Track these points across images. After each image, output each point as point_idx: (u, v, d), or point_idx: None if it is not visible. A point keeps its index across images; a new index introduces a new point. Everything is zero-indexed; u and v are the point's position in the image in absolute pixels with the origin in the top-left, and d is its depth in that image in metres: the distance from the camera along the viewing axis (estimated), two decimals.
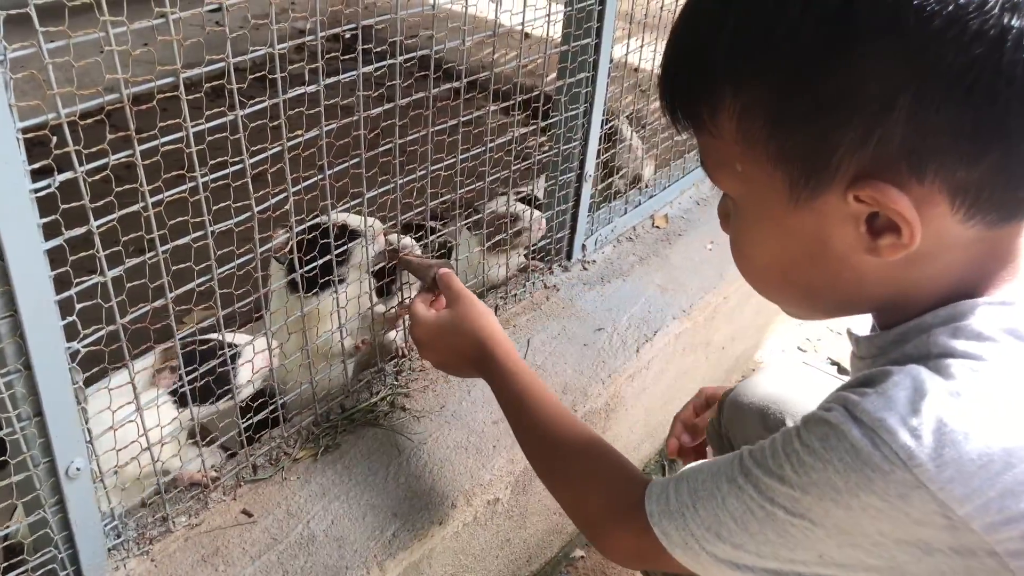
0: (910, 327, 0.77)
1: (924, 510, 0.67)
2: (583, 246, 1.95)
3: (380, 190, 1.36)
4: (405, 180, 1.38)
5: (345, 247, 1.47)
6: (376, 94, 1.28)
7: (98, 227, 0.97)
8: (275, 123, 1.13)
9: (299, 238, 1.30)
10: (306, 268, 1.31)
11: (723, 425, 1.52)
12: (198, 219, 1.09)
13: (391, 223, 1.47)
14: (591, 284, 1.92)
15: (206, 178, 1.06)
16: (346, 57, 1.21)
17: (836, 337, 2.57)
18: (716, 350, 2.18)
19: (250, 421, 1.32)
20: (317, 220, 1.38)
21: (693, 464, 0.90)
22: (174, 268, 1.08)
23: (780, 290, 0.85)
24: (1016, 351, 0.70)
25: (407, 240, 1.54)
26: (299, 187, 1.21)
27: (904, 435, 0.67)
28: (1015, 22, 0.62)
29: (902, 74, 0.64)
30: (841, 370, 1.48)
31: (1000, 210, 0.70)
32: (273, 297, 1.46)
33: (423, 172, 1.42)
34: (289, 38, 1.13)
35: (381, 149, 1.33)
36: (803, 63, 0.67)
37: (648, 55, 2.00)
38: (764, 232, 0.79)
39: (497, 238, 1.74)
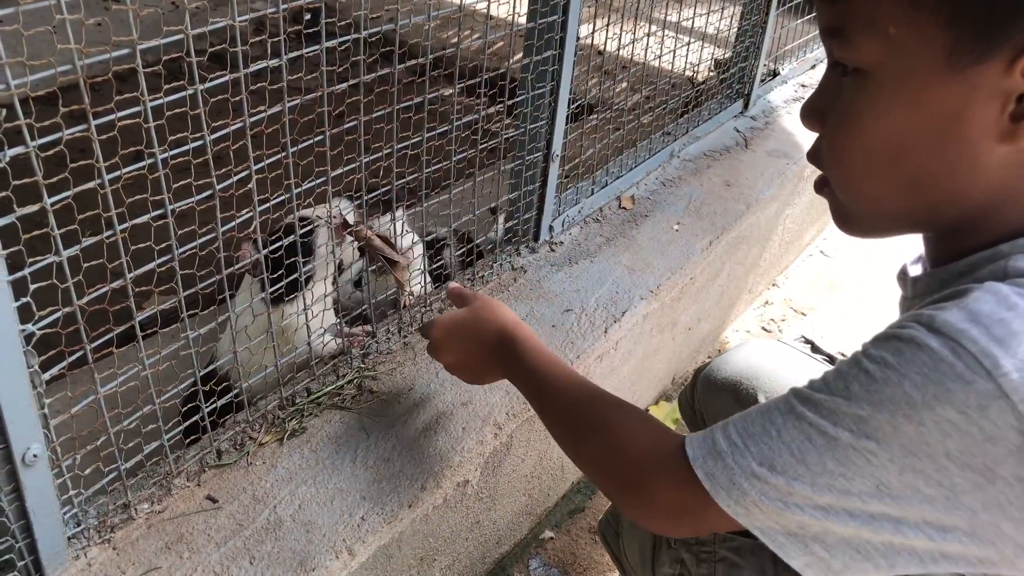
0: (983, 256, 0.76)
1: (1001, 423, 0.65)
2: (550, 227, 1.94)
3: (345, 168, 1.33)
4: (370, 159, 1.36)
5: (309, 242, 1.45)
6: (340, 70, 1.25)
7: (52, 205, 0.93)
8: (236, 99, 1.10)
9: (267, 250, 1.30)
10: (277, 281, 1.30)
11: (697, 400, 1.53)
12: (157, 198, 1.05)
13: (356, 203, 1.45)
14: (559, 265, 1.91)
15: (165, 155, 1.03)
16: (309, 30, 1.18)
17: (799, 318, 2.60)
18: (683, 330, 2.18)
19: (213, 405, 1.29)
20: (281, 224, 1.36)
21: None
22: (133, 248, 1.05)
23: (880, 177, 0.79)
24: None
25: (345, 203, 1.52)
26: (262, 164, 1.18)
27: (990, 344, 0.66)
28: None
29: None
30: (815, 348, 1.48)
31: None
32: (242, 310, 1.43)
33: (388, 151, 1.40)
34: (250, 18, 1.10)
35: (346, 127, 1.30)
36: None
37: (613, 35, 1.99)
38: (895, 104, 0.75)
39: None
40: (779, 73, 2.90)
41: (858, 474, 0.72)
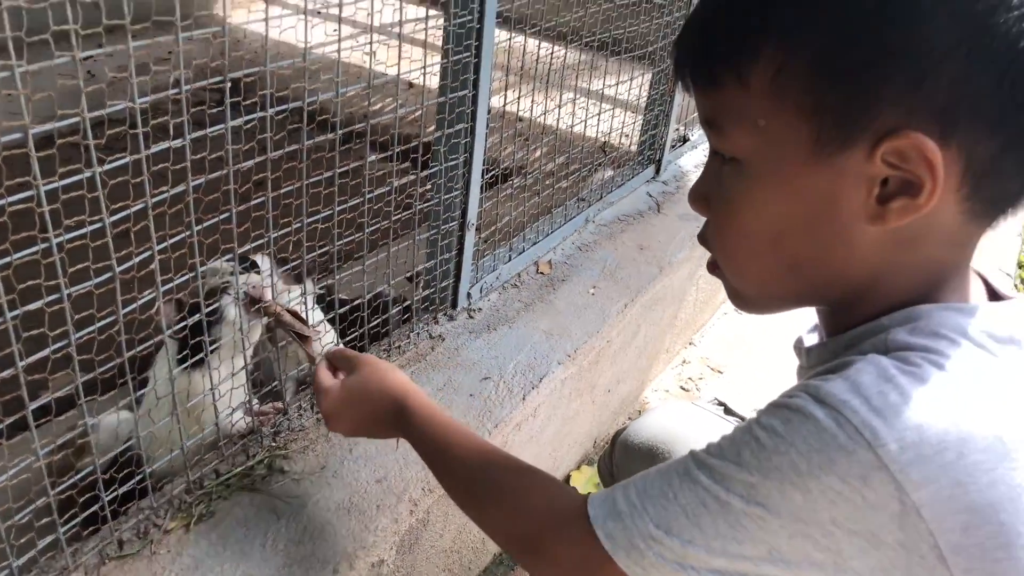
0: (866, 328, 0.78)
1: (881, 493, 0.68)
2: (468, 294, 1.95)
3: (253, 245, 1.31)
4: (280, 234, 1.35)
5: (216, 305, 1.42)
6: (247, 147, 1.24)
7: None
8: (138, 179, 1.08)
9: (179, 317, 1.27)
10: (191, 347, 1.27)
11: (615, 465, 1.53)
12: (52, 283, 1.02)
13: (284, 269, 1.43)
14: (477, 332, 1.91)
15: (60, 238, 1.00)
16: (215, 109, 1.17)
17: (716, 376, 2.65)
18: (602, 393, 2.20)
19: (114, 493, 1.24)
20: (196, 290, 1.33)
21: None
22: (26, 335, 1.01)
23: (762, 261, 0.82)
24: (971, 351, 0.73)
25: (254, 278, 1.49)
26: (164, 244, 1.16)
27: (869, 415, 0.68)
28: None
29: (963, 29, 0.66)
30: (728, 411, 1.51)
31: (989, 200, 0.73)
32: (158, 377, 1.39)
33: (299, 224, 1.38)
34: (153, 92, 1.08)
35: (254, 203, 1.29)
36: (860, 13, 0.68)
37: (527, 106, 2.03)
38: (769, 193, 0.77)
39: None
40: (689, 139, 2.99)
41: (750, 539, 0.74)
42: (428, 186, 1.74)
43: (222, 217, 1.24)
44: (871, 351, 0.75)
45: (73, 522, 1.21)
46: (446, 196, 1.75)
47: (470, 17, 1.58)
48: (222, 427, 1.42)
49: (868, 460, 0.68)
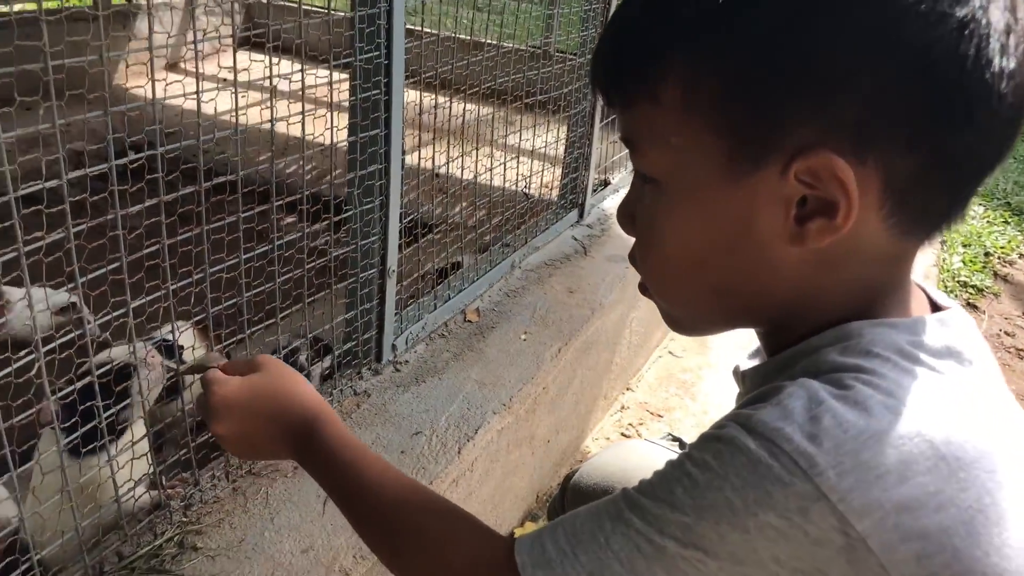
0: (797, 350, 0.74)
1: (823, 526, 0.62)
2: (393, 346, 1.84)
3: (149, 298, 1.20)
4: (179, 285, 1.23)
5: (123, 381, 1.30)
6: (134, 188, 1.14)
7: None
8: (7, 223, 0.97)
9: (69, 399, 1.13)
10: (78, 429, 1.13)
11: (566, 509, 1.43)
12: None
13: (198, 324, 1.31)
14: (405, 386, 1.80)
15: None
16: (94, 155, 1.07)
17: (656, 420, 2.58)
18: (541, 444, 2.10)
19: None
20: (86, 368, 1.18)
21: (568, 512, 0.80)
22: None
23: (688, 284, 0.78)
24: (905, 367, 0.69)
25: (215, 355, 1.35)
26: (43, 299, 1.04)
27: (804, 442, 0.63)
28: (980, 14, 0.62)
29: (869, 45, 0.63)
30: (682, 445, 1.44)
31: (916, 217, 0.69)
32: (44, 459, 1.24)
33: (200, 275, 1.27)
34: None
35: (146, 252, 1.18)
36: (769, 29, 0.65)
37: (441, 160, 1.96)
38: (687, 214, 0.74)
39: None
40: (610, 182, 2.98)
41: None
42: (342, 232, 1.65)
43: (111, 267, 1.13)
44: (802, 374, 0.70)
45: None
46: (363, 242, 1.65)
47: (377, 53, 1.52)
48: (124, 506, 1.27)
49: (806, 491, 0.62)
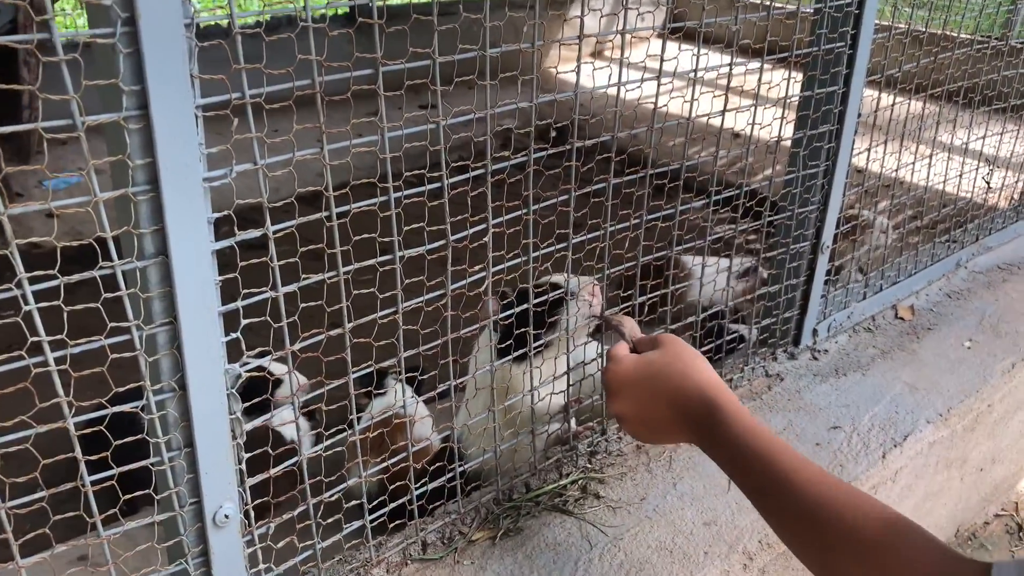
0: None
1: None
2: (814, 331, 1.68)
3: (588, 235, 1.19)
4: (618, 228, 1.21)
5: (556, 307, 1.31)
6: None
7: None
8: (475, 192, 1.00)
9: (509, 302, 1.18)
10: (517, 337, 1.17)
11: None
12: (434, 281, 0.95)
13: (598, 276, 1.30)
14: (823, 376, 1.63)
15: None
16: (552, 151, 1.09)
17: None
18: (972, 471, 1.80)
19: (423, 488, 1.15)
20: (536, 283, 1.22)
21: None
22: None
23: None
24: None
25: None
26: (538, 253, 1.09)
27: None
28: None
29: None
30: None
31: None
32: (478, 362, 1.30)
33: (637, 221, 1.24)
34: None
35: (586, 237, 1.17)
36: None
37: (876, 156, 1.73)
38: None
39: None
40: None
41: None
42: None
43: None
44: None
45: (381, 512, 1.12)
46: (800, 210, 1.51)
47: (842, 43, 1.38)
48: (537, 408, 1.26)
49: None
